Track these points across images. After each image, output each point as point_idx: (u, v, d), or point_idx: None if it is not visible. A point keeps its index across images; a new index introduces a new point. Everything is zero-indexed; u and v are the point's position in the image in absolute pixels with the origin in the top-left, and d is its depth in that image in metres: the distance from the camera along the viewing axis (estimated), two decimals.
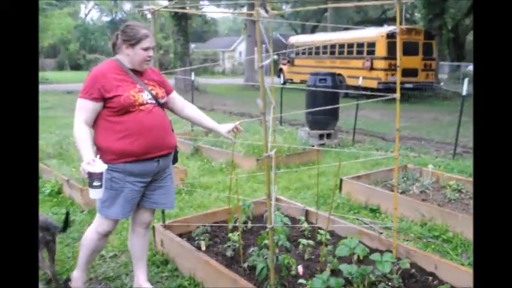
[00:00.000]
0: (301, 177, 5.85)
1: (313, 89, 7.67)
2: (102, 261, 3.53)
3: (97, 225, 2.76)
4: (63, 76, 32.09)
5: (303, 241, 3.32)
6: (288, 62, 22.40)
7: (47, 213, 4.51)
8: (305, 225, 3.63)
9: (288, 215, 4.03)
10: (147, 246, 3.04)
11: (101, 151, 2.59)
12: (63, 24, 31.30)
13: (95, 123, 2.60)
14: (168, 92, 2.83)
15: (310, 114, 7.99)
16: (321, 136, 7.90)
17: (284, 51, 21.24)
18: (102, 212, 2.70)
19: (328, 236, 3.45)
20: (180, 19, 18.97)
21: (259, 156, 6.19)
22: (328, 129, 8.00)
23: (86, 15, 54.76)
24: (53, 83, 25.01)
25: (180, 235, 3.55)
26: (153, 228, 3.56)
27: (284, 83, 22.09)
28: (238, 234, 3.41)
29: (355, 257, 3.05)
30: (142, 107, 2.56)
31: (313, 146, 7.64)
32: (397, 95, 2.88)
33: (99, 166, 2.40)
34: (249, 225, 3.74)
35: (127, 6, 55.17)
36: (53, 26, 27.54)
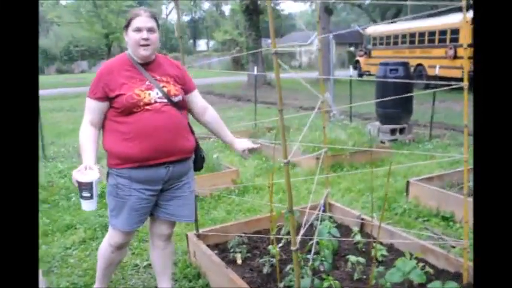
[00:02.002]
0: (366, 178, 5.28)
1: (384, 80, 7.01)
2: (135, 271, 3.27)
3: (109, 237, 2.50)
4: None
5: (352, 258, 2.83)
6: (365, 53, 21.39)
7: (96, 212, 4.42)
8: (358, 237, 3.12)
9: (341, 224, 3.56)
10: (169, 260, 2.72)
11: (107, 155, 2.35)
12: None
13: (103, 125, 2.36)
14: (187, 90, 2.49)
15: (380, 107, 7.32)
16: (392, 131, 7.21)
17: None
18: (110, 223, 2.45)
19: (384, 252, 2.93)
20: (252, 14, 18.74)
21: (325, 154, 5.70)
22: (401, 124, 7.28)
23: (167, 16, 56.67)
24: None
25: (217, 245, 3.21)
26: (187, 237, 3.25)
27: (360, 75, 21.12)
28: (276, 248, 3.01)
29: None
30: (149, 107, 2.25)
31: (383, 142, 6.99)
32: (465, 84, 2.30)
33: (90, 175, 2.14)
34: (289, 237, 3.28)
35: (206, 5, 56.34)
36: None
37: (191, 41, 57.80)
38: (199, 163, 2.61)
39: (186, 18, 57.85)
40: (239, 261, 3.03)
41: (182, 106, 2.43)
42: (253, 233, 3.41)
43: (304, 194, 4.81)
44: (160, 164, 2.30)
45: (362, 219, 3.41)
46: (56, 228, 4.06)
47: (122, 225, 2.38)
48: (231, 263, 3.00)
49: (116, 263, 2.63)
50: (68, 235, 3.94)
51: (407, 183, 4.32)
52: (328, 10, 19.52)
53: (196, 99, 2.56)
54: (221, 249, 3.19)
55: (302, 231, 2.39)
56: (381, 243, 3.04)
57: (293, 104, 13.94)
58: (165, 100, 2.30)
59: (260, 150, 2.68)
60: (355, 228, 3.22)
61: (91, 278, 3.10)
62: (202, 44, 61.40)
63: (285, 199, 4.70)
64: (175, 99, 2.36)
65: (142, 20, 2.26)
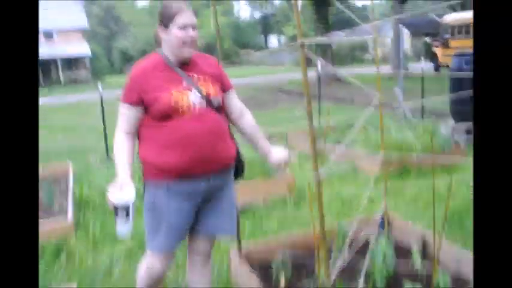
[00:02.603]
0: (437, 186, 4.77)
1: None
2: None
3: (146, 260, 2.30)
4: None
5: (408, 285, 2.46)
6: (442, 44, 20.04)
7: None
8: (417, 260, 2.74)
9: (401, 242, 3.18)
10: (208, 279, 2.51)
11: (143, 166, 2.16)
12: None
13: (138, 133, 2.17)
14: (224, 89, 2.25)
15: (455, 103, 6.69)
16: (468, 131, 6.55)
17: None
18: (147, 244, 2.25)
19: (447, 279, 2.54)
20: (320, 6, 18.24)
21: (386, 157, 5.26)
22: None
23: (238, 12, 57.27)
24: None
25: (261, 263, 2.97)
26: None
27: (437, 68, 19.85)
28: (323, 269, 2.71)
29: None
30: (188, 111, 2.04)
31: (457, 143, 6.38)
32: None
33: (126, 194, 1.96)
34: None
35: (277, 1, 56.17)
36: (205, 24, 29.09)
37: (262, 36, 57.95)
38: (239, 170, 2.38)
39: (257, 15, 58.11)
40: (282, 285, 2.77)
41: (221, 108, 2.22)
42: (303, 249, 3.13)
43: (364, 204, 4.43)
44: (202, 175, 2.11)
45: (424, 238, 3.00)
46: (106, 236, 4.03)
47: (160, 246, 2.18)
48: (275, 285, 2.75)
49: (155, 286, 2.40)
50: (117, 243, 3.88)
51: None
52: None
53: (233, 100, 2.32)
54: (265, 268, 2.94)
55: (343, 253, 2.08)
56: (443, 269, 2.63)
57: (363, 101, 13.34)
58: (205, 102, 2.10)
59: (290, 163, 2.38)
60: (415, 250, 2.84)
61: None
62: (273, 40, 61.37)
63: (343, 211, 4.36)
64: (216, 101, 2.14)
65: (188, 15, 2.03)
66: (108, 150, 7.21)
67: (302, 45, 1.44)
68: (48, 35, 33.95)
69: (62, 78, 31.43)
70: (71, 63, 33.66)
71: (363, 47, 36.78)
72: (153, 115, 2.07)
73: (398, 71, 8.74)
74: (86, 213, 4.48)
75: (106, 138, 7.22)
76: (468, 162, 5.49)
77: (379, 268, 2.57)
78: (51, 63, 31.95)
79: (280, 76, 23.77)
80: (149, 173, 2.14)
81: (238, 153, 2.34)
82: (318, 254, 2.92)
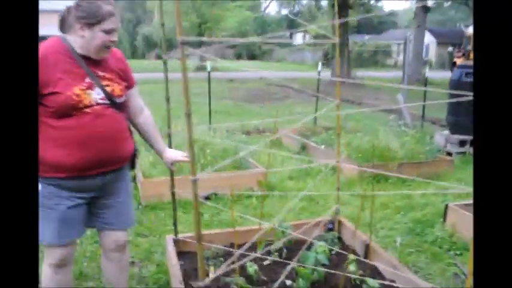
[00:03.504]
0: (412, 195, 4.63)
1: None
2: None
3: (46, 256, 2.15)
4: (237, 64, 33.74)
5: None
6: (463, 54, 19.61)
7: None
8: (351, 268, 2.62)
9: (348, 247, 3.06)
10: (124, 273, 2.43)
11: (40, 163, 1.98)
12: (239, 17, 32.74)
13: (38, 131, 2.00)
14: (128, 87, 2.16)
15: (451, 114, 6.48)
16: (462, 143, 6.34)
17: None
18: (40, 238, 2.02)
19: None
20: (340, 8, 17.97)
21: (366, 161, 5.13)
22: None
23: (266, 8, 56.97)
24: (224, 71, 26.46)
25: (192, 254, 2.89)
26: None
27: None
28: (254, 267, 2.62)
29: None
30: (88, 109, 1.92)
31: (450, 154, 6.18)
32: None
33: None
34: (270, 258, 2.85)
35: (304, 0, 55.74)
36: (226, 18, 28.97)
37: (288, 34, 57.60)
38: (133, 161, 2.29)
39: (284, 12, 57.80)
40: (211, 275, 2.68)
41: (124, 106, 2.13)
42: (240, 245, 3.03)
43: (331, 205, 4.30)
44: (99, 173, 2.02)
45: (367, 245, 2.87)
46: None
47: (52, 238, 2.04)
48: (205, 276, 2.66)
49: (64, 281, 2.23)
50: None
51: (446, 207, 3.65)
52: (425, 8, 18.17)
53: (135, 97, 2.24)
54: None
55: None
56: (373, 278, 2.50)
57: (372, 103, 13.14)
58: (108, 101, 1.99)
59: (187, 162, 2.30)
60: (351, 257, 2.71)
61: None
62: (298, 38, 60.98)
63: (308, 208, 4.24)
64: (119, 100, 2.05)
65: (115, 20, 1.94)
66: None
67: (182, 43, 1.33)
68: None
69: None
70: None
71: (386, 52, 36.25)
72: (50, 109, 1.90)
73: (403, 77, 8.51)
74: None
75: None
76: (450, 172, 5.32)
77: (303, 273, 2.46)
78: None
79: (297, 74, 23.58)
80: (45, 170, 1.97)
81: (134, 150, 2.26)
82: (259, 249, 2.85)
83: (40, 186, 1.98)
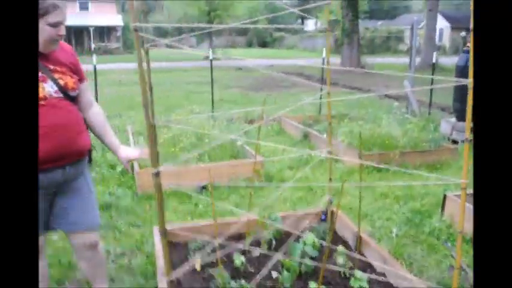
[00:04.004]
0: (414, 184, 4.53)
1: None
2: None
3: None
4: (245, 52, 33.57)
5: (313, 285, 2.29)
6: None
7: (108, 190, 4.30)
8: (339, 260, 2.55)
9: (340, 239, 3.00)
10: (99, 269, 2.38)
11: None
12: (249, 4, 32.42)
13: None
14: (79, 81, 2.10)
15: (458, 101, 6.33)
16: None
17: None
18: None
19: (365, 284, 2.35)
20: None
21: (368, 150, 5.03)
22: None
23: None
24: (232, 59, 26.30)
25: (186, 245, 2.86)
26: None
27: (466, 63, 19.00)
28: (241, 259, 2.58)
29: None
30: (43, 102, 1.88)
31: (455, 142, 6.05)
32: None
33: None
34: (258, 250, 2.79)
35: None
36: (234, 7, 28.67)
37: (299, 20, 57.03)
38: (89, 156, 2.23)
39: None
40: (198, 267, 2.65)
41: (77, 100, 2.08)
42: (228, 237, 3.00)
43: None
44: (57, 166, 1.96)
45: (359, 237, 2.80)
46: None
47: None
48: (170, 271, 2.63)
49: (40, 279, 2.23)
50: None
51: (444, 197, 3.55)
52: None
53: (85, 92, 2.17)
54: (186, 248, 2.82)
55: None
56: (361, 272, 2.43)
57: (379, 90, 12.93)
58: (61, 95, 1.94)
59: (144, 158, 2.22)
60: (340, 248, 2.65)
61: None
62: (310, 24, 60.35)
63: (306, 198, 4.18)
64: (73, 93, 2.00)
65: (61, 13, 1.87)
66: None
67: (135, 30, 1.27)
68: (84, 6, 34.64)
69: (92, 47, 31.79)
70: (103, 33, 34.02)
71: (399, 37, 35.67)
72: None
73: (410, 62, 8.31)
74: None
75: None
76: (453, 161, 5.20)
77: (289, 265, 2.40)
78: (84, 32, 32.37)
79: (308, 61, 23.35)
80: None
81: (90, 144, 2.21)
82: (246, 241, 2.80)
83: None
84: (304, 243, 2.60)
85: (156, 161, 1.42)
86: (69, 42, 33.09)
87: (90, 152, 2.23)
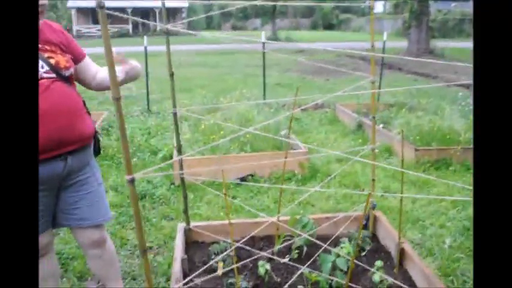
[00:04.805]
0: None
1: None
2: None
3: None
4: (309, 35, 32.85)
5: None
6: None
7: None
8: (376, 277, 2.24)
9: (381, 248, 2.68)
10: (109, 268, 2.22)
11: None
12: None
13: None
14: (76, 60, 1.93)
15: None
16: None
17: None
18: None
19: None
20: None
21: (425, 144, 4.59)
22: None
23: None
24: (293, 42, 25.78)
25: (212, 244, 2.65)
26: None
27: None
28: (266, 267, 2.33)
29: None
30: None
31: None
32: None
33: None
34: (284, 258, 2.52)
35: None
36: None
37: (367, 2, 55.01)
38: (95, 147, 2.05)
39: None
40: (219, 272, 2.43)
41: (72, 80, 1.89)
42: (259, 238, 2.76)
43: (377, 193, 3.86)
44: (56, 156, 1.79)
45: (400, 249, 2.45)
46: None
47: None
48: (212, 271, 2.43)
49: (48, 275, 2.11)
50: None
51: None
52: None
53: (89, 66, 2.00)
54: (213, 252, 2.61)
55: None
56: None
57: (449, 77, 12.05)
58: (54, 75, 1.77)
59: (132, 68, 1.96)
60: (378, 263, 2.33)
61: None
62: (379, 6, 58.09)
63: (351, 196, 3.83)
64: (66, 72, 1.81)
65: None
66: (149, 103, 7.24)
67: (101, 7, 1.04)
68: None
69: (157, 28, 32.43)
70: (168, 15, 34.62)
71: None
72: None
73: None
74: None
75: (148, 90, 7.25)
76: None
77: (315, 280, 2.13)
78: (150, 13, 33.07)
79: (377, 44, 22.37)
80: None
81: (95, 131, 2.03)
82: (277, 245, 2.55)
83: None
84: (338, 255, 2.30)
85: (130, 167, 1.19)
86: (136, 23, 34.11)
87: (97, 141, 2.06)
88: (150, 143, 5.16)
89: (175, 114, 2.36)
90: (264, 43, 7.06)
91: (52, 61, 1.77)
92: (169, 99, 8.08)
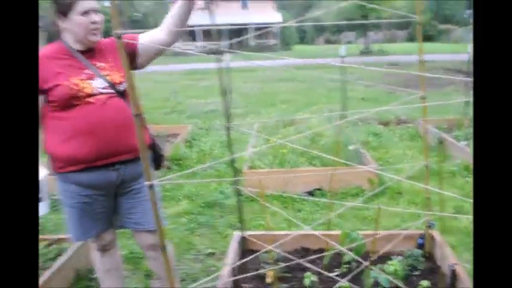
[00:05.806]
0: None
1: None
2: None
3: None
4: (405, 47, 31.81)
5: None
6: None
7: (220, 187, 4.42)
8: None
9: (436, 269, 2.61)
10: (168, 268, 2.44)
11: (51, 159, 2.08)
12: None
13: (43, 125, 2.09)
14: (135, 52, 2.09)
15: None
16: None
17: None
18: (72, 239, 2.28)
19: None
20: None
21: None
22: None
23: None
24: (386, 55, 25.25)
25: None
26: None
27: None
28: (311, 279, 2.40)
29: None
30: (91, 99, 1.95)
31: None
32: None
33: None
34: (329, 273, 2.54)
35: None
36: None
37: (468, 11, 52.01)
38: (157, 162, 2.25)
39: None
40: (268, 280, 2.54)
41: (127, 95, 2.07)
42: (313, 251, 2.82)
43: (448, 211, 3.73)
44: (110, 164, 2.02)
45: (453, 272, 2.38)
46: None
47: (77, 237, 2.20)
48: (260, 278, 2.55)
49: (112, 268, 2.38)
50: None
51: None
52: None
53: (150, 34, 2.12)
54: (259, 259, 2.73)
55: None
56: None
57: None
58: (111, 90, 1.99)
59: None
60: (425, 283, 2.28)
61: None
62: None
63: (418, 215, 3.73)
64: (121, 87, 2.03)
65: (89, 1, 1.94)
66: (230, 117, 7.54)
67: (118, 37, 1.23)
68: (244, 5, 37.96)
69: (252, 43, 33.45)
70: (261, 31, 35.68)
71: None
72: (54, 103, 1.96)
73: None
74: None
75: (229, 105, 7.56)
76: None
77: None
78: (243, 30, 34.24)
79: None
80: (56, 165, 2.06)
81: (154, 143, 2.22)
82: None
83: (60, 185, 2.09)
84: (384, 271, 2.31)
85: (148, 174, 1.36)
86: (230, 39, 35.29)
87: (159, 156, 2.28)
88: (227, 155, 5.42)
89: (228, 128, 2.54)
90: (343, 57, 7.06)
91: (109, 78, 2.01)
92: (253, 113, 8.38)
